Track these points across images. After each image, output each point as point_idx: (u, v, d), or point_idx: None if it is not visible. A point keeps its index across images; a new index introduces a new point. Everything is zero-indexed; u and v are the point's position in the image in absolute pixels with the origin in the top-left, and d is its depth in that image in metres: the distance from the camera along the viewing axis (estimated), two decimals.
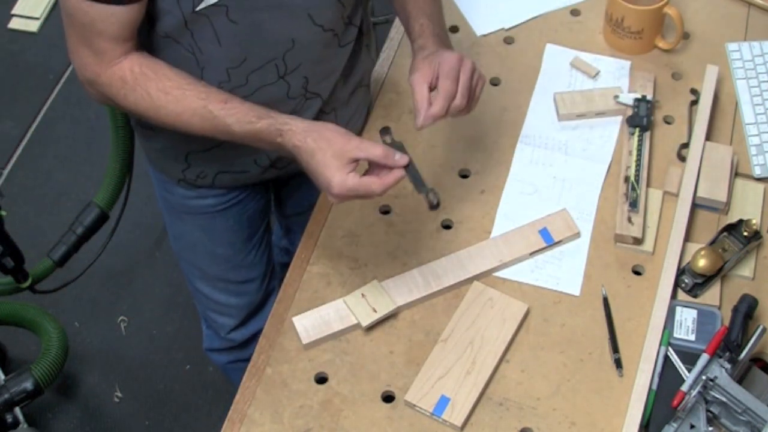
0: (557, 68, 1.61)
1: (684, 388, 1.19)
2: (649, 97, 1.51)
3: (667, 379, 1.24)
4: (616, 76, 1.59)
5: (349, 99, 1.46)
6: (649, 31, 1.58)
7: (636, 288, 1.35)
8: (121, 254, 2.46)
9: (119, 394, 2.28)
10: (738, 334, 1.23)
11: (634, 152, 1.46)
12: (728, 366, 1.19)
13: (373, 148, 1.16)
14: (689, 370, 1.22)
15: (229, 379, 1.96)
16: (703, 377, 1.19)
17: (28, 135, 2.80)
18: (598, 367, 1.28)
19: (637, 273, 1.37)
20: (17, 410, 1.97)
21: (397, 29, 1.66)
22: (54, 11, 3.02)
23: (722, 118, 1.54)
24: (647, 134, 1.48)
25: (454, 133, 1.51)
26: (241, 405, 1.27)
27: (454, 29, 1.68)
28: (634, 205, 1.40)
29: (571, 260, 1.38)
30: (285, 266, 1.41)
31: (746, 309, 1.26)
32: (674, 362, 1.25)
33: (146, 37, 1.25)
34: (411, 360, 1.29)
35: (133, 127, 1.59)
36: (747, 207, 1.42)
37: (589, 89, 1.56)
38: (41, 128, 2.82)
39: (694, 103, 1.53)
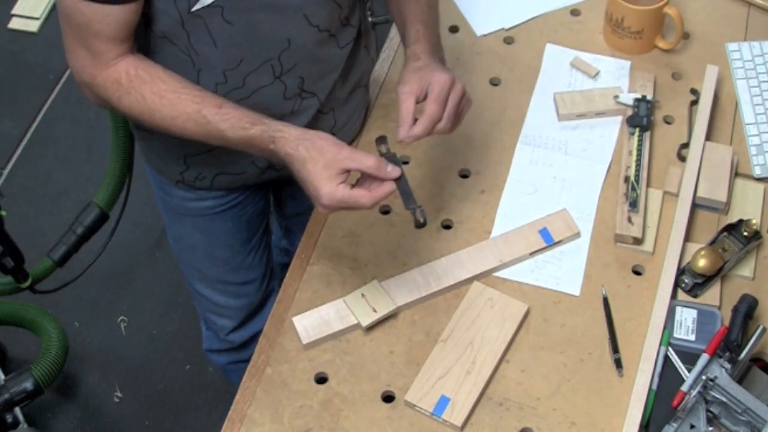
0: (557, 68, 1.61)
1: (684, 388, 1.19)
2: (649, 97, 1.51)
3: (667, 379, 1.24)
4: (616, 76, 1.59)
5: (347, 99, 1.46)
6: (649, 31, 1.58)
7: (636, 288, 1.35)
8: (121, 254, 2.46)
9: (119, 394, 2.28)
10: (738, 334, 1.23)
11: (634, 152, 1.46)
12: (728, 366, 1.19)
13: (365, 159, 1.16)
14: (689, 370, 1.22)
15: (229, 379, 1.96)
16: (703, 377, 1.19)
17: (28, 135, 2.80)
18: (598, 367, 1.28)
19: (637, 273, 1.37)
20: (17, 410, 1.97)
21: (396, 30, 1.66)
22: (54, 11, 3.03)
23: (722, 118, 1.54)
24: (647, 134, 1.48)
25: (454, 133, 1.50)
26: (241, 405, 1.27)
27: (454, 29, 1.68)
28: (634, 205, 1.40)
29: (571, 260, 1.38)
30: (285, 267, 1.41)
31: (746, 309, 1.26)
32: (674, 362, 1.25)
33: (143, 39, 1.25)
34: (411, 360, 1.29)
35: (132, 128, 1.59)
36: (747, 207, 1.42)
37: (589, 89, 1.56)
38: (41, 128, 2.82)
39: (694, 103, 1.53)
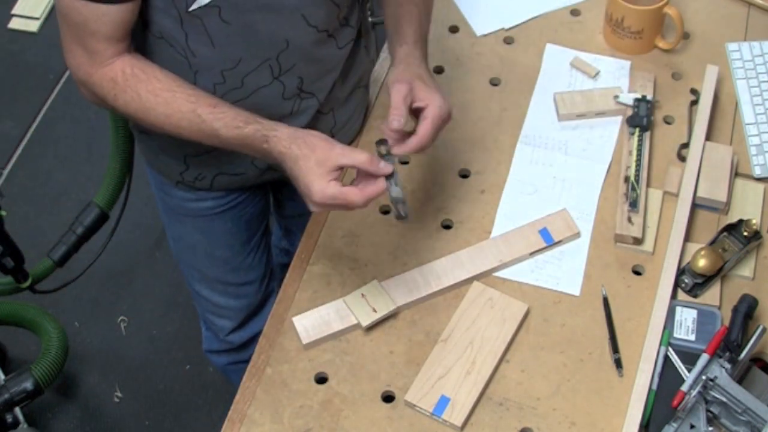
0: (557, 68, 1.61)
1: (684, 388, 1.19)
2: (649, 97, 1.51)
3: (667, 379, 1.24)
4: (616, 76, 1.59)
5: (347, 99, 1.46)
6: (649, 31, 1.58)
7: (636, 288, 1.35)
8: (121, 254, 2.46)
9: (119, 394, 2.28)
10: (738, 334, 1.23)
11: (634, 152, 1.46)
12: (728, 366, 1.19)
13: (357, 155, 1.16)
14: (689, 370, 1.22)
15: (228, 379, 1.96)
16: (703, 377, 1.19)
17: (28, 135, 2.80)
18: (598, 367, 1.28)
19: (637, 273, 1.37)
20: (17, 410, 1.97)
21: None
22: (54, 11, 3.02)
23: (722, 118, 1.54)
24: (647, 134, 1.48)
25: (454, 133, 1.51)
26: (241, 405, 1.27)
27: (454, 29, 1.68)
28: (634, 205, 1.40)
29: (571, 260, 1.38)
30: (285, 267, 1.41)
31: (746, 309, 1.26)
32: (674, 362, 1.25)
33: (141, 41, 1.25)
34: (411, 360, 1.29)
35: (131, 129, 1.59)
36: (747, 207, 1.42)
37: (589, 89, 1.56)
38: (41, 128, 2.82)
39: (694, 103, 1.53)
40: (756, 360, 1.27)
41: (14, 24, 3.07)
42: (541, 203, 1.44)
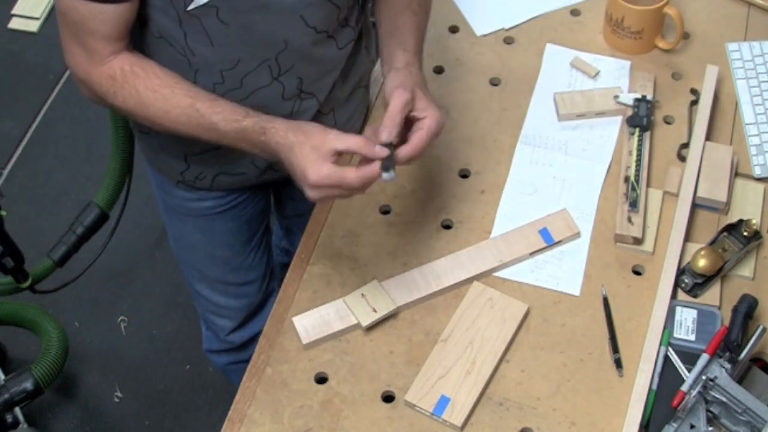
0: (557, 68, 1.61)
1: (684, 388, 1.19)
2: (649, 97, 1.51)
3: (667, 379, 1.24)
4: (616, 76, 1.59)
5: (347, 99, 1.46)
6: (649, 31, 1.58)
7: (636, 288, 1.35)
8: (121, 254, 2.46)
9: (119, 394, 2.28)
10: (738, 334, 1.23)
11: (634, 152, 1.46)
12: (728, 366, 1.19)
13: (352, 138, 1.15)
14: (689, 370, 1.22)
15: (229, 379, 1.96)
16: (703, 377, 1.19)
17: (28, 135, 2.80)
18: (598, 367, 1.28)
19: (637, 273, 1.37)
20: (17, 410, 1.97)
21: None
22: (54, 11, 3.02)
23: (722, 118, 1.54)
24: (647, 134, 1.48)
25: (454, 133, 1.51)
26: (241, 405, 1.27)
27: (454, 29, 1.68)
28: (634, 205, 1.40)
29: (571, 260, 1.38)
30: (285, 267, 1.41)
31: (746, 309, 1.26)
32: (674, 362, 1.25)
33: (140, 40, 1.25)
34: (411, 360, 1.29)
35: (132, 128, 1.59)
36: (747, 207, 1.42)
37: (589, 89, 1.56)
38: (41, 128, 2.82)
39: (694, 103, 1.53)
40: (756, 360, 1.27)
41: (14, 24, 3.07)
42: (541, 203, 1.44)
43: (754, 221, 1.35)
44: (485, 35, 1.67)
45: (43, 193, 2.66)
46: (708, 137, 1.48)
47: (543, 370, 1.28)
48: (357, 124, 1.52)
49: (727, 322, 1.27)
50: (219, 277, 1.67)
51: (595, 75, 1.59)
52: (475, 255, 1.38)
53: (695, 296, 1.33)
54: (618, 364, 1.27)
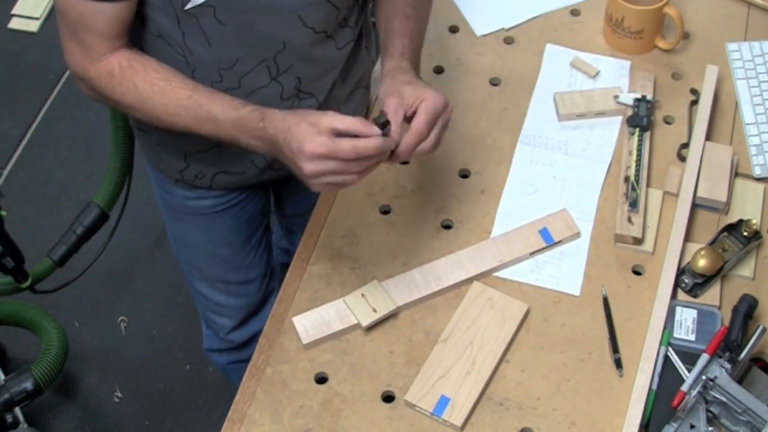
0: (557, 68, 1.61)
1: (684, 388, 1.19)
2: (649, 97, 1.52)
3: (667, 379, 1.24)
4: (616, 76, 1.59)
5: (347, 100, 1.46)
6: (649, 31, 1.58)
7: (636, 288, 1.35)
8: (121, 254, 2.46)
9: (119, 394, 2.28)
10: (738, 334, 1.23)
11: (634, 152, 1.46)
12: (728, 366, 1.19)
13: (350, 118, 1.13)
14: (689, 370, 1.22)
15: (229, 379, 1.96)
16: (703, 377, 1.19)
17: (28, 135, 2.80)
18: (598, 367, 1.28)
19: (637, 273, 1.37)
20: (17, 410, 1.97)
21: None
22: (54, 11, 3.03)
23: (722, 118, 1.54)
24: (647, 134, 1.48)
25: (454, 133, 1.51)
26: (241, 405, 1.27)
27: (454, 29, 1.68)
28: (634, 205, 1.40)
29: (571, 260, 1.38)
30: (285, 266, 1.41)
31: (746, 309, 1.26)
32: (674, 362, 1.25)
33: (138, 38, 1.26)
34: (411, 360, 1.29)
35: (132, 126, 1.59)
36: (747, 207, 1.42)
37: (589, 89, 1.56)
38: (41, 128, 2.82)
39: (694, 103, 1.53)
40: (756, 360, 1.27)
41: (14, 24, 3.08)
42: (541, 203, 1.44)
43: (754, 221, 1.35)
44: (485, 35, 1.67)
45: (43, 193, 2.66)
46: (708, 137, 1.48)
47: (543, 370, 1.28)
48: None
49: (727, 322, 1.27)
50: (219, 275, 1.67)
51: (595, 75, 1.59)
52: (475, 255, 1.38)
53: (695, 296, 1.33)
54: (618, 364, 1.27)
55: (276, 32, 1.25)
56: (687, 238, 1.38)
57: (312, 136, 1.12)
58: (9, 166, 2.72)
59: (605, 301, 1.33)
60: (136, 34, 1.25)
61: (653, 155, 1.48)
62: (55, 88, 2.90)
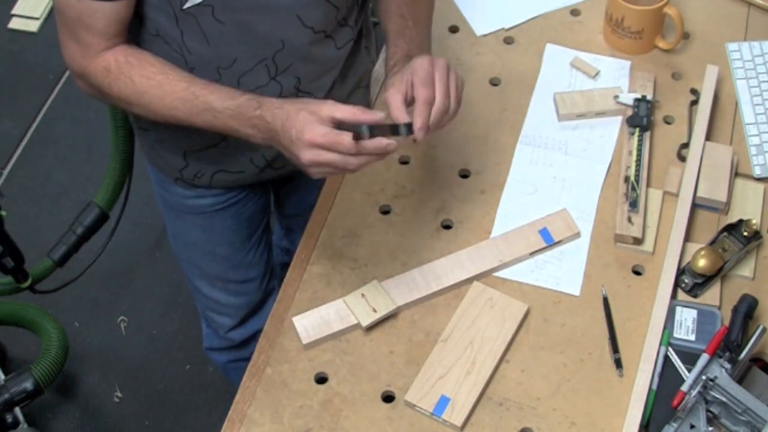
0: (557, 68, 1.61)
1: (684, 388, 1.19)
2: (649, 97, 1.51)
3: (667, 379, 1.24)
4: (616, 76, 1.59)
5: (347, 99, 1.46)
6: (649, 31, 1.58)
7: (636, 288, 1.35)
8: (121, 254, 2.46)
9: (119, 394, 2.28)
10: (738, 334, 1.23)
11: (634, 152, 1.46)
12: (728, 366, 1.19)
13: (349, 107, 1.13)
14: (689, 370, 1.22)
15: (228, 379, 1.96)
16: (703, 377, 1.19)
17: (28, 135, 2.80)
18: (598, 367, 1.28)
19: (637, 273, 1.37)
20: (17, 410, 1.97)
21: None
22: (54, 12, 3.03)
23: (722, 118, 1.54)
24: (647, 134, 1.48)
25: (454, 133, 1.51)
26: (241, 405, 1.27)
27: (454, 29, 1.68)
28: (634, 205, 1.40)
29: (571, 260, 1.38)
30: (285, 266, 1.41)
31: (746, 309, 1.26)
32: (674, 362, 1.25)
33: (137, 37, 1.26)
34: (411, 360, 1.29)
35: (132, 125, 1.59)
36: (747, 207, 1.42)
37: (589, 89, 1.56)
38: (41, 128, 2.82)
39: (694, 103, 1.53)
40: (756, 360, 1.27)
41: (14, 24, 3.08)
42: (541, 203, 1.44)
43: (754, 221, 1.35)
44: (485, 35, 1.67)
45: (43, 193, 2.66)
46: (708, 137, 1.48)
47: (543, 370, 1.28)
48: None
49: (727, 322, 1.27)
50: (219, 274, 1.67)
51: (595, 75, 1.59)
52: (475, 255, 1.38)
53: (695, 296, 1.33)
54: (618, 364, 1.27)
55: (275, 32, 1.25)
56: (687, 238, 1.38)
57: (312, 125, 1.12)
58: (9, 166, 2.72)
59: (605, 301, 1.33)
60: (135, 33, 1.25)
61: (653, 155, 1.48)
62: (55, 88, 2.90)
